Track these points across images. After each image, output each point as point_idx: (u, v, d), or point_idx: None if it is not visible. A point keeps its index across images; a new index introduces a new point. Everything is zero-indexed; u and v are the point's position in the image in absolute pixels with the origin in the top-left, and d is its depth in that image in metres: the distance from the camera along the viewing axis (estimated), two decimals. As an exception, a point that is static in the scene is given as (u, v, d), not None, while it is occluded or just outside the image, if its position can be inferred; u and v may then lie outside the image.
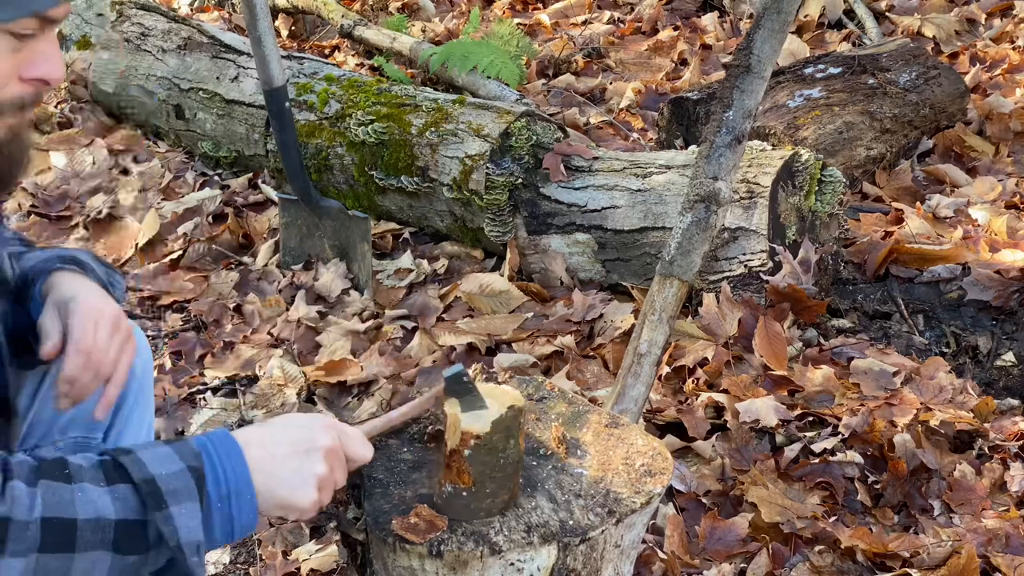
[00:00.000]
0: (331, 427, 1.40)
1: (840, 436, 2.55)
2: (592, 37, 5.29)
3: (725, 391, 2.70)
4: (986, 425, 2.62)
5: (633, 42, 5.27)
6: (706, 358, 2.79)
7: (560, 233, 3.26)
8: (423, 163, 3.44)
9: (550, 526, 1.52)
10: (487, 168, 3.30)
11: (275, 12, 5.53)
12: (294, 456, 1.34)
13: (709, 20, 5.41)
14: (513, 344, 3.04)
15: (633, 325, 2.63)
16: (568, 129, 3.67)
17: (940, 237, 3.35)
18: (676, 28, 5.36)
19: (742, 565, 2.30)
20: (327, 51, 5.29)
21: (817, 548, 2.29)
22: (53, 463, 1.25)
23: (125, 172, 4.07)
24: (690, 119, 3.89)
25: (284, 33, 5.55)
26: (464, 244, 3.51)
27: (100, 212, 3.76)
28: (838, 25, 5.29)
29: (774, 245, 2.96)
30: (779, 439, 2.59)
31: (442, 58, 4.61)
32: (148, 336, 3.13)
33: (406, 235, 3.60)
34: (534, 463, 1.64)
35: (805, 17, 5.25)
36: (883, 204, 3.71)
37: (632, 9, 5.70)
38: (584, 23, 5.52)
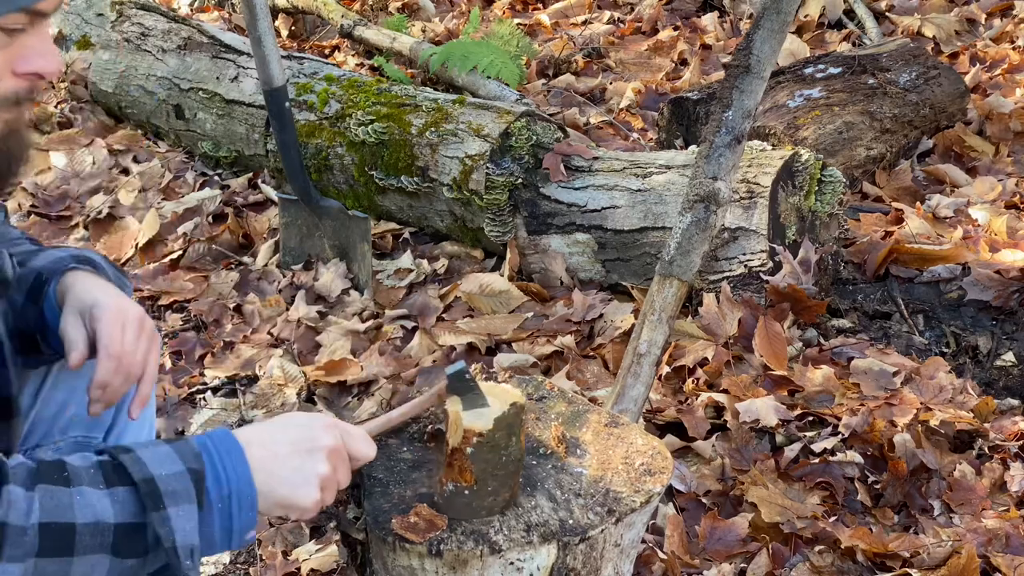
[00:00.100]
0: (333, 426, 1.40)
1: (840, 436, 2.55)
2: (592, 37, 5.29)
3: (725, 391, 2.70)
4: (986, 425, 2.61)
5: (633, 42, 5.27)
6: (706, 358, 2.79)
7: (560, 233, 3.26)
8: (423, 163, 3.44)
9: (550, 525, 1.52)
10: (487, 168, 3.30)
11: (275, 12, 5.53)
12: (296, 455, 1.34)
13: (709, 20, 5.41)
14: (513, 344, 3.04)
15: (633, 325, 2.63)
16: (568, 129, 3.67)
17: (940, 237, 3.35)
18: (676, 28, 5.36)
19: (742, 565, 2.30)
20: (327, 51, 5.29)
21: (817, 548, 2.29)
22: (51, 465, 1.24)
23: (125, 172, 4.07)
24: (690, 119, 3.88)
25: (284, 33, 5.55)
26: (464, 244, 3.51)
27: (100, 212, 3.76)
28: (838, 25, 5.29)
29: (774, 245, 2.96)
30: (779, 439, 2.59)
31: (442, 58, 4.61)
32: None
33: (406, 235, 3.60)
34: (534, 462, 1.64)
35: (805, 17, 5.25)
36: (883, 204, 3.71)
37: (632, 9, 5.70)
38: (584, 23, 5.52)
